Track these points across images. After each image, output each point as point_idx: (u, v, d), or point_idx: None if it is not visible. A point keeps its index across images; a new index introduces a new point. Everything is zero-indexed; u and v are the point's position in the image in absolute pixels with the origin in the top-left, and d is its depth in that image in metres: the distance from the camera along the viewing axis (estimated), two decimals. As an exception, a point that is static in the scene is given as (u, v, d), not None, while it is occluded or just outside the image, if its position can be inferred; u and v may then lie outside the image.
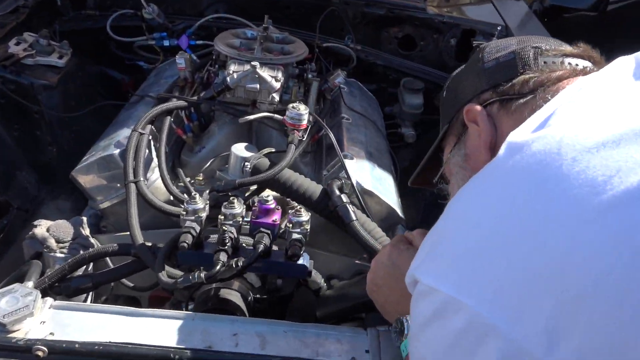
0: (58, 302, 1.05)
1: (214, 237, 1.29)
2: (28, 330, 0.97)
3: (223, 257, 1.13)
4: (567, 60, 0.88)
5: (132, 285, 1.41)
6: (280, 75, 1.51)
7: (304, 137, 1.49)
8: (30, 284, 1.07)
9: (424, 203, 1.98)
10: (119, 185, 1.45)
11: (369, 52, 2.19)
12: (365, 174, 1.51)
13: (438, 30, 2.18)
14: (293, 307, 1.51)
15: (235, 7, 2.14)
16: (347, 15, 2.12)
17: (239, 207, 1.21)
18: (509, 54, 0.90)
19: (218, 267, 1.11)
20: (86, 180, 1.46)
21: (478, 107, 0.88)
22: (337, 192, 1.36)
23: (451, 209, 0.69)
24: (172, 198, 1.47)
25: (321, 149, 1.69)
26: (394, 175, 1.69)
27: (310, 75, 1.65)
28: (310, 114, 1.49)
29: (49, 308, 1.03)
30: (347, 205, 1.33)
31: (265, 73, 1.48)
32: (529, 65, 0.87)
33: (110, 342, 0.97)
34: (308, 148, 1.62)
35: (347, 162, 1.48)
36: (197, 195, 1.20)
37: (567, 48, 0.91)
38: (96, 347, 0.95)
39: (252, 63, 1.46)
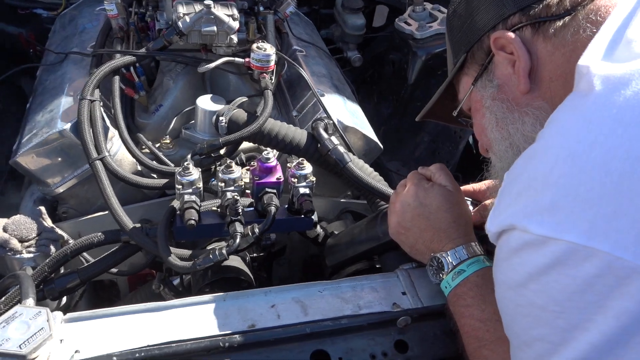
0: (69, 315, 0.92)
1: (206, 205, 1.19)
2: (49, 354, 0.85)
3: (239, 227, 1.04)
4: None
5: (115, 271, 1.27)
6: (236, 12, 1.35)
7: (272, 79, 1.38)
8: (30, 301, 0.91)
9: (382, 128, 1.96)
10: (74, 164, 1.27)
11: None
12: (340, 109, 1.44)
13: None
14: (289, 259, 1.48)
15: None
16: None
17: (237, 171, 1.10)
18: None
19: (238, 240, 1.03)
20: (33, 163, 1.25)
21: (511, 34, 0.84)
22: (325, 135, 1.29)
23: (550, 151, 0.66)
24: (139, 168, 1.32)
25: (281, 88, 1.58)
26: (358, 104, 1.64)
27: (262, 8, 1.49)
28: (275, 52, 1.36)
29: (62, 323, 0.91)
30: (339, 147, 1.27)
31: (220, 12, 1.31)
32: None
33: (149, 345, 0.88)
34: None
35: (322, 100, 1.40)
36: (191, 165, 1.08)
37: None
38: (137, 355, 0.86)
39: (205, 2, 1.29)
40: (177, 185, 1.08)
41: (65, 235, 1.24)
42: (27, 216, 1.22)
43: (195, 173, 1.08)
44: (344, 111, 1.44)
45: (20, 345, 0.81)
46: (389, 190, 1.25)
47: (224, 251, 1.02)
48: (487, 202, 1.11)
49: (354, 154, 1.35)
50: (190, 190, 1.07)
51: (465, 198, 1.10)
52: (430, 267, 1.01)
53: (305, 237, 1.37)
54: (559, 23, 0.81)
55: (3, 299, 0.97)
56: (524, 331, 0.71)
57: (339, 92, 1.53)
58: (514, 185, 0.70)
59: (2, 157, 1.62)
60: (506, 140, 0.88)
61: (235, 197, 1.05)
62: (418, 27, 1.75)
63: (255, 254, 1.38)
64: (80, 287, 1.15)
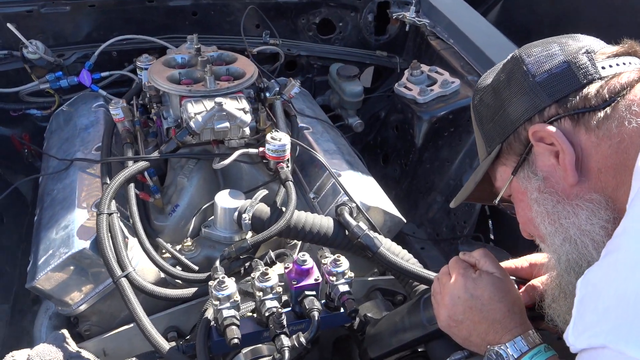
0: None
1: (242, 312, 1.13)
2: None
3: (286, 341, 0.99)
4: (622, 60, 0.84)
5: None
6: (246, 105, 1.33)
7: (289, 167, 1.35)
8: None
9: (394, 192, 1.94)
10: (95, 280, 1.21)
11: (289, 45, 2.04)
12: (359, 189, 1.42)
13: (354, 8, 2.09)
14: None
15: (132, 24, 1.84)
16: (261, 10, 1.93)
17: (274, 278, 1.06)
18: (561, 63, 0.85)
19: (287, 355, 0.97)
20: (52, 285, 1.19)
21: (551, 128, 0.83)
22: (352, 222, 1.26)
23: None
24: (162, 276, 1.26)
25: (294, 169, 1.55)
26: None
27: (268, 94, 1.48)
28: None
29: None
30: (369, 233, 1.24)
31: (231, 107, 1.29)
32: (589, 74, 0.83)
33: None
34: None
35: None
36: (225, 277, 1.03)
37: (611, 47, 0.87)
38: None
39: (217, 100, 1.27)
40: (213, 301, 1.03)
41: (92, 358, 1.18)
42: (50, 343, 1.15)
43: (231, 286, 1.03)
44: (363, 190, 1.42)
45: None
46: (425, 272, 1.22)
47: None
48: (535, 282, 1.08)
49: (379, 234, 1.32)
50: (228, 305, 1.02)
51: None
52: (489, 359, 0.98)
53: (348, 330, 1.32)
54: (600, 114, 0.80)
55: None
56: None
57: (353, 168, 1.51)
58: (600, 300, 0.67)
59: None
60: (560, 235, 0.86)
61: (279, 310, 1.00)
62: (419, 91, 1.76)
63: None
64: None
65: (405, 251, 1.28)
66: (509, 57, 0.93)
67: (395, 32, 2.15)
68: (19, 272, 1.52)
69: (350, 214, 1.28)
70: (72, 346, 1.17)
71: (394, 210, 1.42)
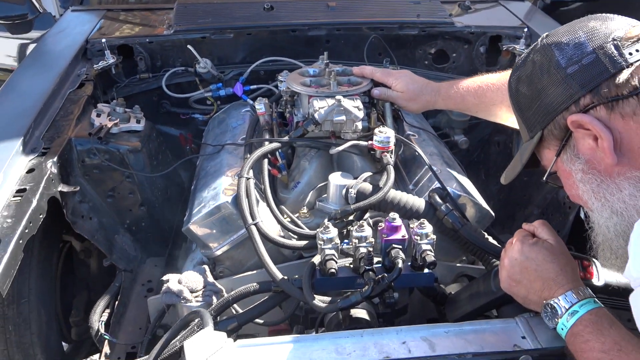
0: (239, 342, 1.13)
1: (341, 262, 1.39)
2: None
3: (373, 275, 1.23)
4: None
5: (262, 322, 1.49)
6: (360, 104, 1.63)
7: (392, 157, 1.61)
8: (210, 328, 1.15)
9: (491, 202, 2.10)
10: (233, 230, 1.54)
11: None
12: (452, 181, 1.62)
13: (467, 41, 2.33)
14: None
15: (277, 49, 2.27)
16: (383, 40, 2.26)
17: (368, 230, 1.31)
18: (589, 53, 0.92)
19: (372, 285, 1.21)
20: (200, 230, 1.55)
21: (587, 118, 0.92)
22: (441, 202, 1.47)
23: None
24: (281, 234, 1.57)
25: (397, 166, 1.80)
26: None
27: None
28: (395, 135, 1.60)
29: (234, 347, 1.12)
30: (455, 212, 1.44)
31: (348, 104, 1.60)
32: (618, 63, 0.90)
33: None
34: (392, 166, 1.73)
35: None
36: (330, 224, 1.30)
37: (636, 28, 0.93)
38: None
39: (337, 97, 1.58)
40: (318, 242, 1.30)
41: (224, 289, 1.50)
42: (195, 272, 1.50)
43: (333, 231, 1.30)
44: (456, 183, 1.62)
45: (207, 359, 1.03)
46: (500, 247, 1.38)
47: (358, 294, 1.21)
48: None
49: (467, 220, 1.51)
50: (330, 246, 1.29)
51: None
52: (545, 313, 1.10)
53: (425, 296, 1.51)
54: (634, 100, 0.89)
55: (188, 328, 1.21)
56: None
57: (450, 168, 1.72)
58: None
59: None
60: (607, 209, 0.97)
61: (369, 249, 1.25)
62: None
63: (381, 311, 1.53)
64: (238, 329, 1.37)
65: (482, 230, 1.45)
66: (538, 45, 1.02)
67: (506, 63, 2.34)
68: (175, 231, 1.94)
69: (441, 197, 1.50)
70: (210, 278, 1.50)
71: (483, 203, 1.60)
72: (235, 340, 1.15)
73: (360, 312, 1.38)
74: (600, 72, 0.92)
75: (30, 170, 1.50)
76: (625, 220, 0.95)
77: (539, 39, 1.05)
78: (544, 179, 1.10)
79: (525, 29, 2.25)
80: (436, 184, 1.57)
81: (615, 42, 0.92)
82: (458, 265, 1.64)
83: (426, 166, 1.61)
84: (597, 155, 0.95)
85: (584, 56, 0.93)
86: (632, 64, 0.90)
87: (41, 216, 1.44)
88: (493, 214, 1.61)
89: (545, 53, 1.00)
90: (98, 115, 1.82)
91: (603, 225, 1.00)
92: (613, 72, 0.91)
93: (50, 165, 1.55)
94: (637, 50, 0.91)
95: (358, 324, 1.37)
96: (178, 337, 1.22)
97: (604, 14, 1.00)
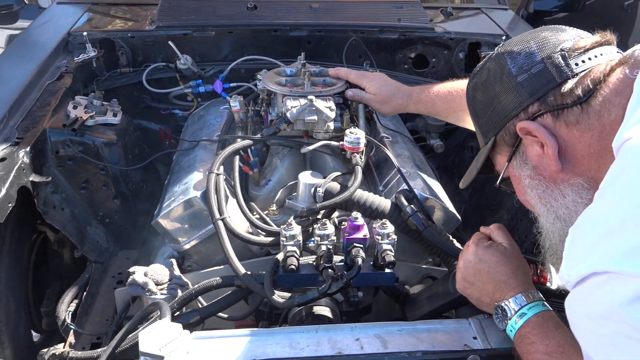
0: (195, 333, 1.15)
1: (304, 259, 1.41)
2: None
3: (332, 273, 1.25)
4: (593, 53, 0.94)
5: (226, 316, 1.51)
6: (332, 105, 1.65)
7: (362, 158, 1.63)
8: (167, 319, 1.17)
9: (463, 207, 2.13)
10: (201, 225, 1.56)
11: (386, 74, 2.34)
12: (421, 184, 1.65)
13: (447, 46, 2.36)
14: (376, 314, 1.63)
15: (259, 48, 2.29)
16: (364, 43, 2.28)
17: (331, 228, 1.33)
18: (538, 63, 0.96)
19: (329, 282, 1.23)
20: (169, 224, 1.57)
21: (534, 125, 0.96)
22: (406, 203, 1.49)
23: (621, 207, 0.76)
24: (250, 230, 1.58)
25: (369, 167, 1.83)
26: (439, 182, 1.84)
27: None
28: (365, 137, 1.63)
29: (189, 339, 1.14)
30: (419, 214, 1.47)
31: (320, 104, 1.62)
32: (564, 72, 0.93)
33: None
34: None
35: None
36: (293, 222, 1.32)
37: (584, 40, 0.96)
38: (246, 366, 1.06)
39: (309, 97, 1.60)
40: (281, 238, 1.32)
41: (189, 283, 1.52)
42: (162, 265, 1.51)
43: (296, 229, 1.32)
44: (424, 185, 1.65)
45: (160, 349, 1.05)
46: (461, 248, 1.40)
47: (316, 291, 1.23)
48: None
49: (433, 223, 1.53)
50: (292, 243, 1.31)
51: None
52: (496, 315, 1.14)
53: (389, 296, 1.53)
54: (577, 109, 0.92)
55: (150, 320, 1.23)
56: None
57: (421, 171, 1.75)
58: (586, 237, 0.81)
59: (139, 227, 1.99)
60: (552, 214, 1.00)
61: (329, 247, 1.27)
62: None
63: (345, 309, 1.56)
64: (200, 323, 1.39)
65: (446, 233, 1.47)
66: (494, 54, 1.06)
67: (485, 69, 2.37)
68: (149, 226, 1.95)
69: (407, 199, 1.52)
70: (177, 271, 1.52)
71: (450, 206, 1.63)
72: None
73: (322, 310, 1.40)
74: (547, 81, 0.95)
75: (1, 159, 1.51)
76: (568, 225, 0.97)
77: (496, 47, 1.08)
78: (497, 184, 1.13)
79: (504, 37, 2.28)
80: (404, 186, 1.59)
81: (563, 52, 0.95)
82: (424, 266, 1.66)
83: (394, 168, 1.64)
84: (544, 162, 0.99)
85: (533, 65, 0.97)
86: (577, 74, 0.93)
87: (10, 205, 1.45)
88: (459, 217, 1.63)
89: (499, 61, 1.03)
90: (75, 107, 1.83)
91: (549, 230, 1.03)
92: (559, 82, 0.94)
93: (23, 155, 1.56)
94: (583, 61, 0.94)
95: (320, 321, 1.39)
96: (139, 328, 1.24)
97: (557, 25, 1.03)
